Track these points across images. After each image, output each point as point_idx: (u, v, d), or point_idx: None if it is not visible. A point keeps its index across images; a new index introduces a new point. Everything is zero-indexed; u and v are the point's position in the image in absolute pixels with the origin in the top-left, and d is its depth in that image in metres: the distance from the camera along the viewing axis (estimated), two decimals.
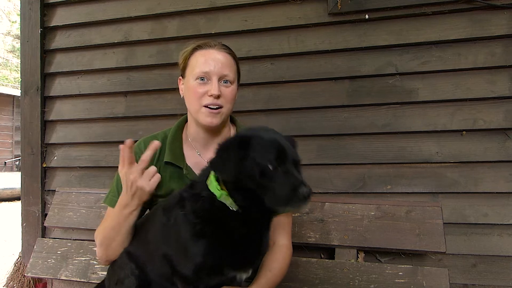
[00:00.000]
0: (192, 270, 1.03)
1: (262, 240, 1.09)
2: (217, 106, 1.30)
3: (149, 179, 1.22)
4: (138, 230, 1.27)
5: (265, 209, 0.97)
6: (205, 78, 1.30)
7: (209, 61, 1.30)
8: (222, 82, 1.31)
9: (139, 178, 1.20)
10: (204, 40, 1.38)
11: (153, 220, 1.20)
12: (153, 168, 1.24)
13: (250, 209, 0.99)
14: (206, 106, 1.30)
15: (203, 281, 1.06)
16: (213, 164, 0.99)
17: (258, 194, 0.93)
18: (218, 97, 1.29)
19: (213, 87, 1.28)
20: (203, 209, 1.03)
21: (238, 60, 1.40)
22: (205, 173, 1.09)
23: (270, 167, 0.92)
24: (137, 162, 1.36)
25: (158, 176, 1.25)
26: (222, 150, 1.00)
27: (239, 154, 0.94)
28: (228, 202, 1.00)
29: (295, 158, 0.97)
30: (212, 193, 1.01)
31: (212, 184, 1.02)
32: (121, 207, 1.24)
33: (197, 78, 1.30)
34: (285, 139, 1.01)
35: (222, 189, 1.00)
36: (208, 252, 1.02)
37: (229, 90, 1.32)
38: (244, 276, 1.10)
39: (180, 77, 1.42)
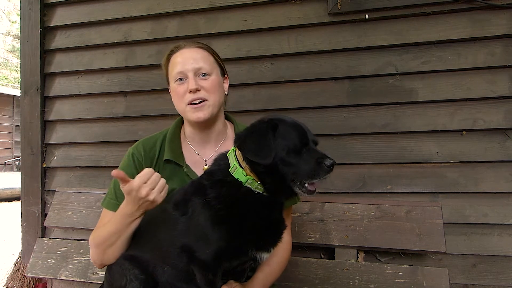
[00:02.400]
0: (213, 256, 1.05)
1: (281, 220, 1.16)
2: (200, 100, 1.29)
3: (161, 192, 1.15)
4: (142, 234, 1.23)
5: (289, 189, 1.07)
6: (183, 78, 1.31)
7: (182, 60, 1.32)
8: (200, 76, 1.32)
9: (151, 192, 1.12)
10: (176, 43, 1.40)
11: (163, 219, 1.17)
12: (163, 181, 1.16)
13: (276, 190, 1.08)
14: (190, 104, 1.30)
15: (222, 266, 1.09)
16: (250, 150, 1.05)
17: (285, 173, 1.03)
18: (197, 90, 1.29)
19: (190, 83, 1.29)
20: (229, 194, 1.08)
21: (214, 52, 1.40)
22: (219, 161, 1.16)
23: (297, 146, 1.04)
24: (135, 164, 1.36)
25: (167, 186, 1.18)
26: (256, 136, 1.06)
27: (273, 137, 1.05)
28: (254, 186, 1.07)
29: (314, 138, 1.10)
30: (236, 179, 1.08)
31: (238, 171, 1.08)
32: (124, 216, 1.18)
33: (175, 80, 1.33)
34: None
35: (247, 174, 1.07)
36: (233, 235, 1.06)
37: (209, 81, 1.32)
38: (265, 256, 1.13)
39: (168, 86, 1.43)
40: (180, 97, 1.32)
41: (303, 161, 1.03)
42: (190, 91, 1.28)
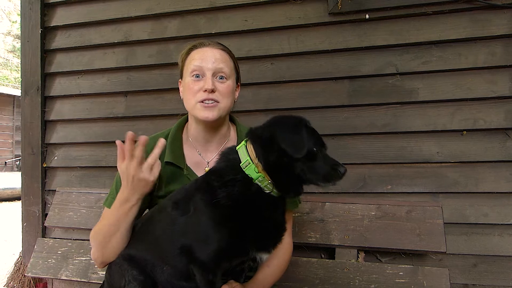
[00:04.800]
0: (213, 256, 1.04)
1: (282, 222, 1.16)
2: (212, 101, 1.29)
3: (150, 170, 1.19)
4: (141, 233, 1.23)
5: (299, 189, 1.09)
6: (200, 75, 1.30)
7: (203, 57, 1.31)
8: (218, 78, 1.31)
9: (140, 171, 1.17)
10: (199, 40, 1.39)
11: (162, 218, 1.17)
12: (151, 159, 1.19)
13: (286, 189, 1.08)
14: (201, 102, 1.29)
15: (222, 266, 1.08)
16: (284, 141, 1.04)
17: (297, 173, 1.04)
18: (212, 91, 1.28)
19: (207, 82, 1.28)
20: (240, 192, 1.06)
21: (235, 58, 1.40)
22: (228, 156, 1.14)
23: (315, 150, 1.05)
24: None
25: (158, 163, 1.21)
26: (291, 129, 1.06)
27: (306, 133, 1.05)
28: (264, 184, 1.06)
29: (326, 144, 1.12)
30: (247, 176, 1.06)
31: (250, 167, 1.06)
32: (121, 202, 1.20)
33: (192, 75, 1.31)
34: None
35: (259, 171, 1.06)
36: (234, 235, 1.06)
37: (225, 86, 1.31)
38: (265, 257, 1.13)
39: (180, 80, 1.42)
40: (192, 93, 1.30)
41: (319, 163, 1.05)
42: (206, 90, 1.28)
